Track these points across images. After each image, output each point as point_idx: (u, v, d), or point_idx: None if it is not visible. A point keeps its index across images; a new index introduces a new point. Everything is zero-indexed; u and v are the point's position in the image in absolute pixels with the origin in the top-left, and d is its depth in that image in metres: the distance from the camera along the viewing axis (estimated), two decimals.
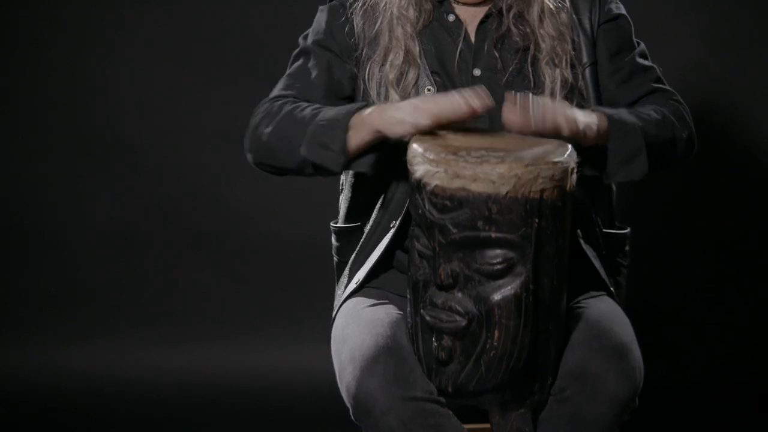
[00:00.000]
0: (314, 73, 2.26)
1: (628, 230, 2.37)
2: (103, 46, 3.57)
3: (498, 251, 1.89)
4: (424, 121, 1.99)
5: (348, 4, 2.28)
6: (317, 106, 2.18)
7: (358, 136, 2.07)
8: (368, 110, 2.07)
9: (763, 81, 3.53)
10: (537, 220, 1.88)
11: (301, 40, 2.32)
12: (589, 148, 2.08)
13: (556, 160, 1.88)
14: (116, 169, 3.62)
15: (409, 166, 1.95)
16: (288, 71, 2.30)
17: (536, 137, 2.01)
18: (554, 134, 2.01)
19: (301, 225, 3.58)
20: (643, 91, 2.26)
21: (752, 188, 3.58)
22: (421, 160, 1.91)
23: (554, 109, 2.02)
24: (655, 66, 2.31)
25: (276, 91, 2.27)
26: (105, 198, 3.64)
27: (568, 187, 1.90)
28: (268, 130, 2.18)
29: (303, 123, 2.13)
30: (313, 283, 3.46)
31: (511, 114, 2.00)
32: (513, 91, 2.03)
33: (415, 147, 1.94)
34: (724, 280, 3.61)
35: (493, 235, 1.87)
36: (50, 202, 3.65)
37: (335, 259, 2.40)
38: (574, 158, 1.92)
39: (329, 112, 2.13)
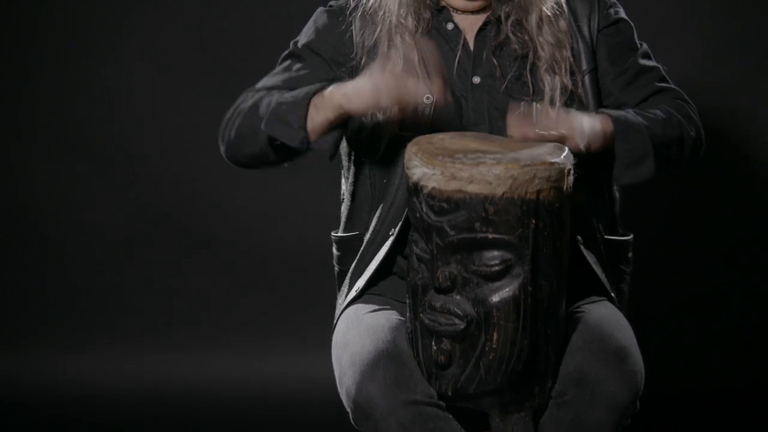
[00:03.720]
0: (297, 75, 2.26)
1: (630, 237, 2.37)
2: (104, 52, 3.58)
3: (495, 253, 1.89)
4: (386, 102, 2.02)
5: (348, 11, 2.28)
6: (284, 92, 2.19)
7: (321, 114, 2.09)
8: (329, 88, 2.09)
9: (766, 87, 3.53)
10: (534, 221, 1.88)
11: (291, 43, 2.33)
12: (598, 151, 2.08)
13: (553, 160, 1.88)
14: (117, 175, 3.63)
15: (406, 169, 1.95)
16: (273, 71, 2.31)
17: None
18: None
19: (302, 233, 3.59)
20: (648, 91, 2.26)
21: (755, 194, 3.58)
22: (418, 162, 1.91)
23: (558, 120, 2.03)
24: (659, 66, 2.30)
25: (255, 86, 2.28)
26: (106, 205, 3.64)
27: (564, 188, 1.91)
28: (238, 120, 2.21)
29: (267, 107, 2.15)
30: (314, 291, 3.46)
31: (514, 125, 2.01)
32: (517, 102, 2.04)
33: (412, 150, 1.94)
34: (726, 286, 3.60)
35: (491, 236, 1.88)
36: (51, 209, 3.66)
37: (336, 268, 2.40)
38: (571, 159, 1.93)
39: (292, 92, 2.15)
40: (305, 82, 2.23)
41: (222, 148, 2.27)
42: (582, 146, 2.03)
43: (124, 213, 3.65)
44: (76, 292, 3.68)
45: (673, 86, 2.29)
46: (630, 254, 2.37)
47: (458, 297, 1.92)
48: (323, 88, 2.11)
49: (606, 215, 2.32)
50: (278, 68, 2.31)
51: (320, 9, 2.33)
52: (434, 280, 1.93)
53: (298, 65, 2.27)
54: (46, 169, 3.64)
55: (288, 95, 2.14)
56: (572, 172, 1.92)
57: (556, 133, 2.00)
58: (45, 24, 3.58)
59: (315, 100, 2.09)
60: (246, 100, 2.23)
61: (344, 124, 2.12)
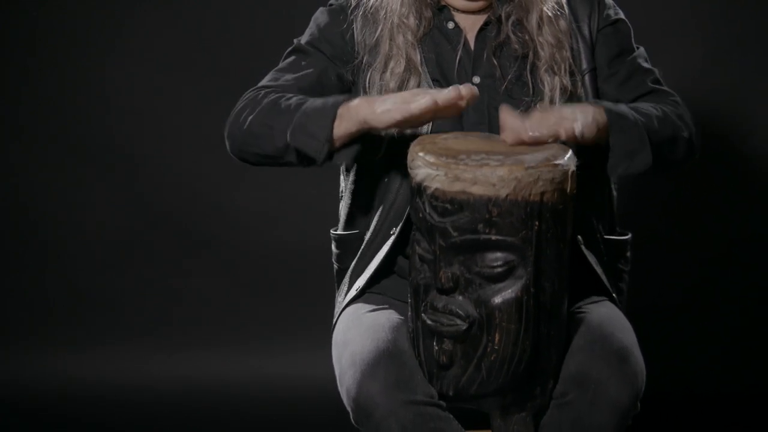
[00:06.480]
0: (303, 71, 2.25)
1: (629, 236, 2.37)
2: (104, 52, 3.58)
3: (498, 254, 1.89)
4: (415, 110, 1.98)
5: (349, 10, 2.28)
6: (303, 97, 2.16)
7: (343, 125, 2.06)
8: (355, 101, 2.07)
9: (765, 87, 3.53)
10: (537, 223, 1.88)
11: (295, 41, 2.33)
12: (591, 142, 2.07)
13: (557, 162, 1.88)
14: (117, 175, 3.63)
15: (409, 170, 1.95)
16: (278, 66, 2.30)
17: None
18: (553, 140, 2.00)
19: (301, 232, 3.59)
20: (641, 90, 2.25)
21: (754, 193, 3.58)
22: (422, 163, 1.91)
23: (547, 117, 2.01)
24: (654, 69, 2.30)
25: (262, 82, 2.27)
26: (106, 205, 3.64)
27: (568, 189, 1.90)
28: (251, 117, 2.17)
29: (288, 111, 2.13)
30: (314, 291, 3.45)
31: (509, 131, 1.99)
32: (506, 105, 2.03)
33: (416, 150, 1.94)
34: (725, 285, 3.61)
35: (494, 237, 1.87)
36: (51, 209, 3.66)
37: (335, 266, 2.40)
38: (575, 161, 1.92)
39: (316, 101, 2.12)
40: (313, 78, 2.23)
41: (228, 144, 2.23)
42: (577, 131, 2.00)
43: (124, 213, 3.65)
44: (76, 292, 3.68)
45: (667, 88, 2.28)
46: (629, 253, 2.37)
47: (461, 298, 1.92)
48: (349, 99, 2.09)
49: (605, 215, 2.32)
50: (284, 63, 2.29)
51: (321, 8, 2.33)
52: (437, 281, 1.92)
53: (304, 62, 2.27)
54: (46, 169, 3.64)
55: (311, 105, 2.11)
56: (576, 173, 1.92)
57: (547, 131, 1.98)
58: (45, 24, 3.58)
59: (340, 111, 2.07)
60: (257, 97, 2.20)
61: (363, 137, 2.09)
